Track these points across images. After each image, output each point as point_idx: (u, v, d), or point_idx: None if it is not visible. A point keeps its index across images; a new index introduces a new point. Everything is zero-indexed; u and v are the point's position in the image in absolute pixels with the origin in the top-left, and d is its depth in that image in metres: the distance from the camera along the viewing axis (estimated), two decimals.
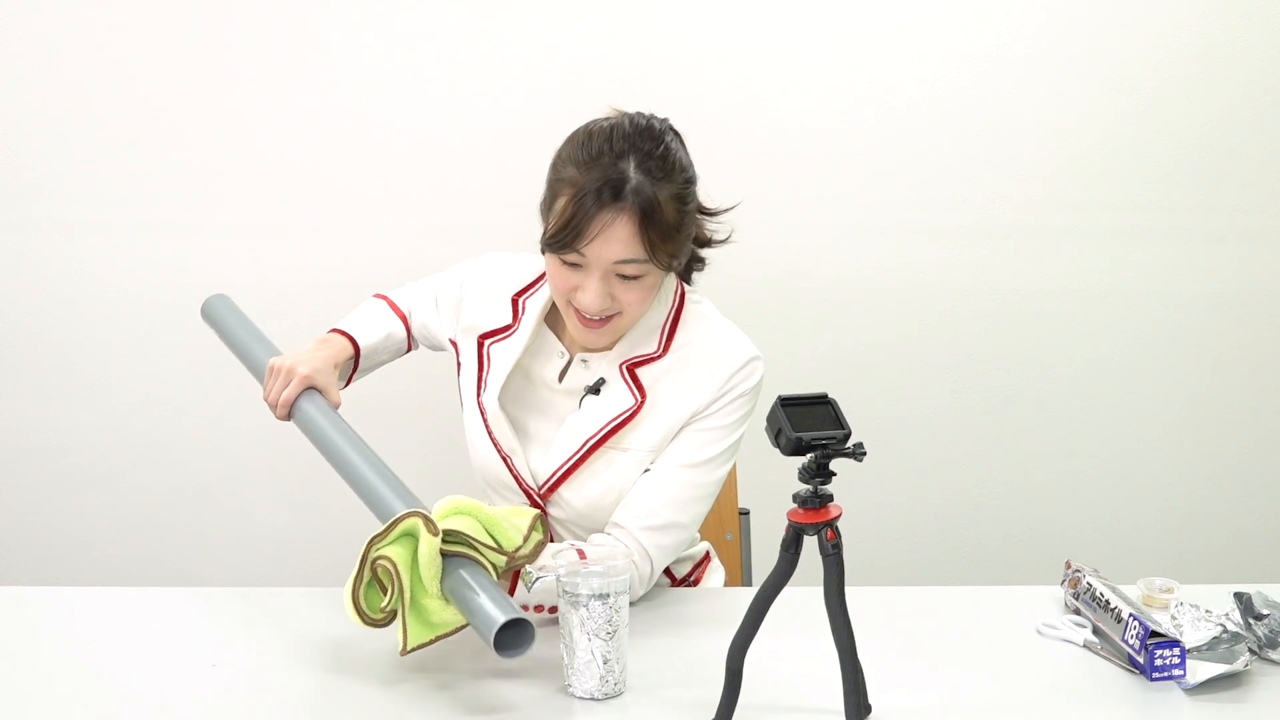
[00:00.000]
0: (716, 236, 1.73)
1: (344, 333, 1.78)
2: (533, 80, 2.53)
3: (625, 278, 1.56)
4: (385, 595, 1.39)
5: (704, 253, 1.76)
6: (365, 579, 1.40)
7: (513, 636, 1.34)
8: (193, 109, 2.56)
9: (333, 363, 1.71)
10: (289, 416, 1.67)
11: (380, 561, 1.38)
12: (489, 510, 1.45)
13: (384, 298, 1.87)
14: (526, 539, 1.45)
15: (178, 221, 2.60)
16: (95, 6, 2.53)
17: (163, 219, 2.60)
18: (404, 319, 1.84)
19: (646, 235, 1.53)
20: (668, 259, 1.58)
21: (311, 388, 1.66)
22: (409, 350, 1.88)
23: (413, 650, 1.39)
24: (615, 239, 1.52)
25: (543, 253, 1.60)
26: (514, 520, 1.47)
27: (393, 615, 1.40)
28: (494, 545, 1.42)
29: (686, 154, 1.62)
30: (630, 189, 1.52)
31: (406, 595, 1.38)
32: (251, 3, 2.53)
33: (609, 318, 1.59)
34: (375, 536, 1.40)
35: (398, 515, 1.42)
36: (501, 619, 1.31)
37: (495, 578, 1.42)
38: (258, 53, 2.54)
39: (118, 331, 2.63)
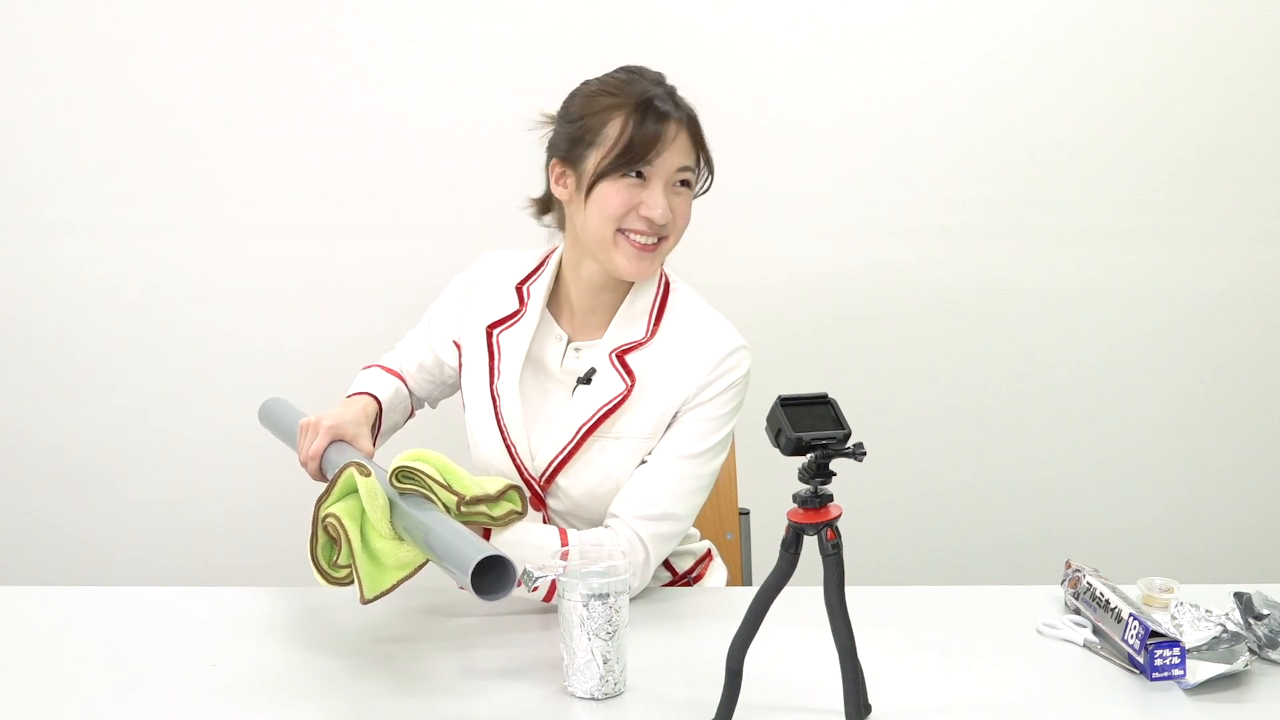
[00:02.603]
0: None
1: (362, 393, 1.78)
2: (533, 79, 2.53)
3: (682, 185, 1.67)
4: (339, 553, 1.44)
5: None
6: (321, 540, 1.44)
7: (492, 581, 1.32)
8: (193, 109, 2.56)
9: (362, 415, 1.71)
10: (320, 471, 1.64)
11: (328, 520, 1.43)
12: (448, 460, 1.49)
13: (374, 365, 1.87)
14: (495, 503, 1.48)
15: (178, 221, 2.60)
16: (95, 6, 2.53)
17: (163, 219, 2.60)
18: (400, 377, 1.85)
19: (698, 144, 1.67)
20: (707, 173, 1.71)
21: (340, 440, 1.64)
22: (413, 413, 1.88)
23: (374, 599, 1.42)
24: (679, 147, 1.65)
25: (591, 187, 1.63)
26: (481, 481, 1.51)
27: (351, 572, 1.44)
28: (445, 485, 1.46)
29: None
30: (674, 102, 1.66)
31: (356, 545, 1.42)
32: (251, 3, 2.52)
33: (659, 242, 1.66)
34: (320, 497, 1.45)
35: (336, 472, 1.46)
36: (476, 558, 1.30)
37: (448, 515, 1.45)
38: (257, 53, 2.54)
39: (117, 331, 2.63)
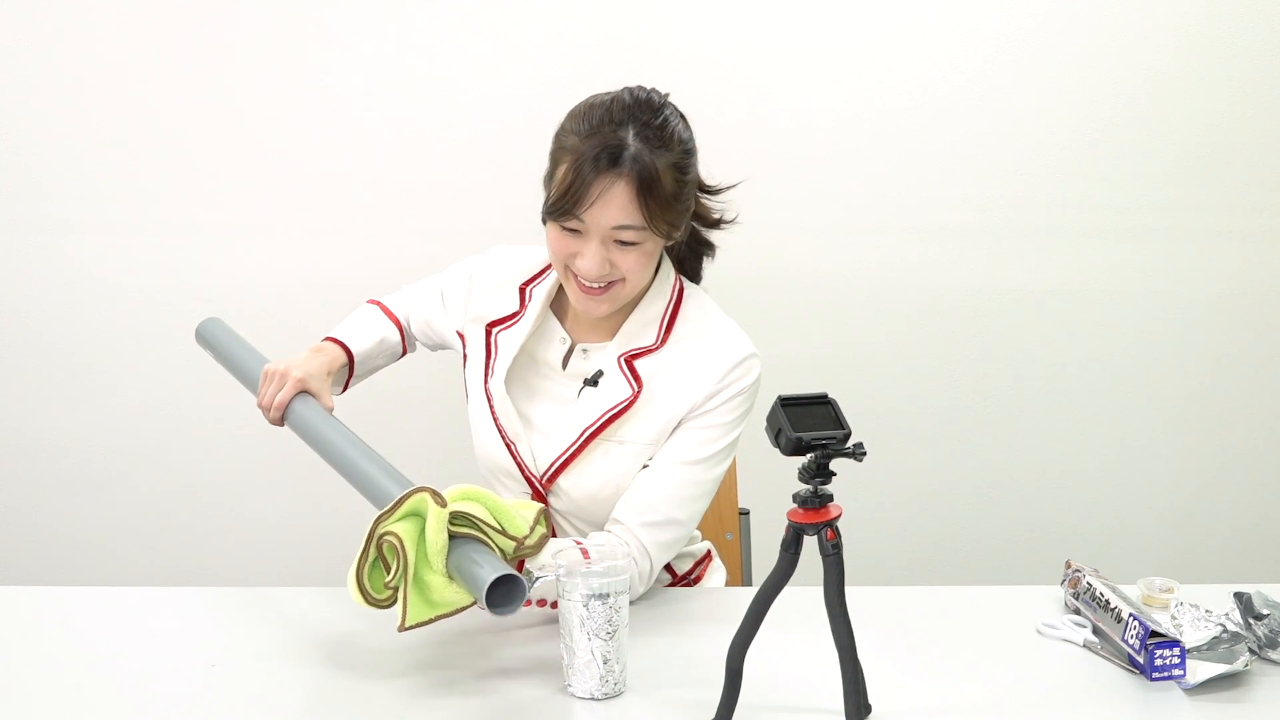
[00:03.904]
0: (726, 216, 1.75)
1: (337, 340, 1.81)
2: (533, 79, 2.53)
3: (623, 244, 1.58)
4: (389, 573, 1.39)
5: (713, 236, 1.77)
6: (370, 558, 1.40)
7: (504, 594, 1.35)
8: (193, 109, 2.56)
9: (326, 369, 1.74)
10: (282, 420, 1.69)
11: (387, 537, 1.39)
12: (494, 497, 1.46)
13: (377, 303, 1.89)
14: (532, 530, 1.46)
15: (178, 221, 2.60)
16: (95, 6, 2.53)
17: (163, 219, 2.60)
18: (398, 324, 1.87)
19: (644, 202, 1.55)
20: (665, 227, 1.60)
21: (305, 392, 1.68)
22: (404, 354, 1.90)
23: (411, 628, 1.39)
24: (613, 204, 1.55)
25: (544, 222, 1.62)
26: (521, 512, 1.48)
27: (395, 595, 1.40)
28: (500, 530, 1.43)
29: (687, 128, 1.65)
30: (629, 155, 1.54)
31: (410, 571, 1.38)
32: (252, 3, 2.53)
33: (609, 285, 1.61)
34: (382, 514, 1.41)
35: (405, 492, 1.42)
36: (491, 577, 1.33)
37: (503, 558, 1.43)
38: (258, 53, 2.54)
39: (118, 331, 2.63)
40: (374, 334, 1.83)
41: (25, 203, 2.60)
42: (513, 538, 1.43)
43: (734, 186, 1.74)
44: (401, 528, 1.39)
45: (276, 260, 2.60)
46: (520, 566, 1.51)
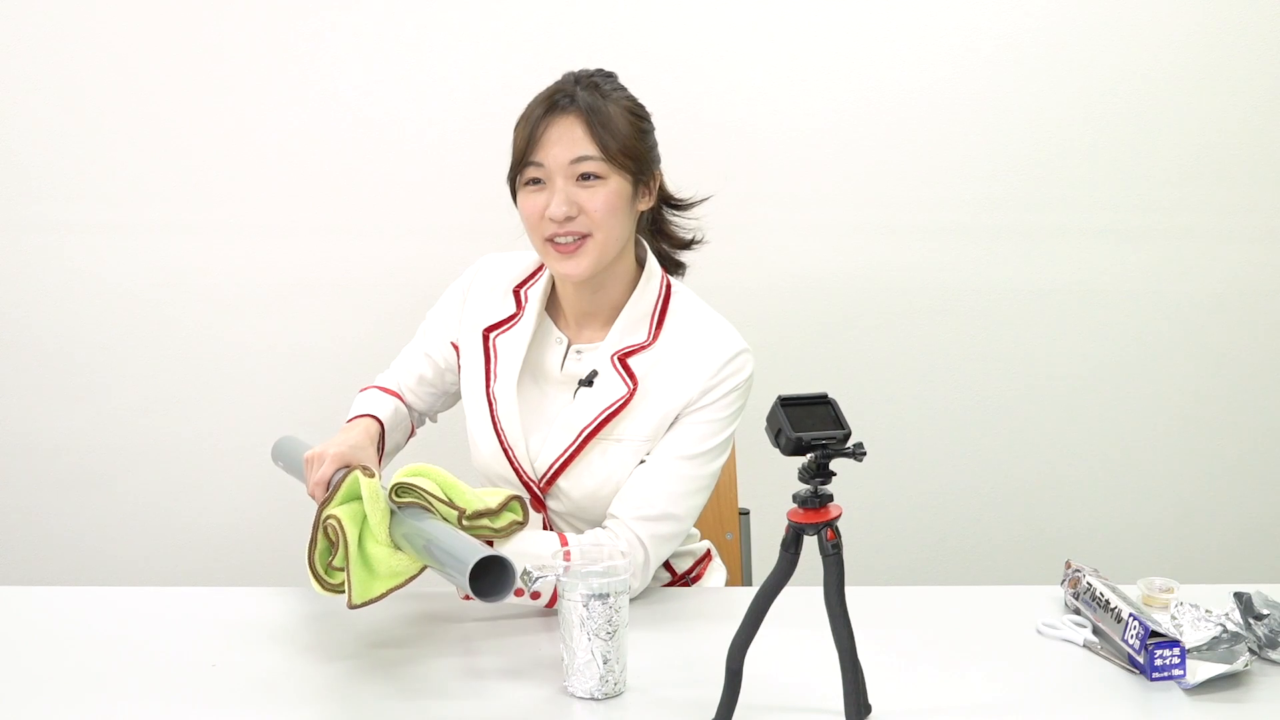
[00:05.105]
0: (695, 236, 1.77)
1: (361, 415, 1.76)
2: (534, 80, 2.53)
3: (585, 178, 1.62)
4: (335, 555, 1.44)
5: (683, 256, 1.81)
6: (320, 545, 1.45)
7: (491, 582, 1.35)
8: (192, 108, 2.56)
9: (366, 437, 1.69)
10: None
11: (329, 521, 1.44)
12: (448, 475, 1.50)
13: (370, 387, 1.84)
14: (497, 515, 1.48)
15: (178, 221, 2.60)
16: (95, 6, 2.53)
17: (163, 219, 2.60)
18: (399, 396, 1.82)
19: (596, 132, 1.62)
20: (626, 162, 1.64)
21: (346, 466, 1.61)
22: (413, 431, 1.86)
23: (361, 605, 1.43)
24: (565, 138, 1.62)
25: (514, 201, 1.68)
26: (482, 496, 1.52)
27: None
28: (446, 500, 1.46)
29: (640, 105, 1.71)
30: (576, 98, 1.64)
31: (352, 548, 1.42)
32: (251, 3, 2.52)
33: (582, 240, 1.63)
34: (323, 502, 1.46)
35: (339, 478, 1.48)
36: (472, 560, 1.33)
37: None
38: (257, 53, 2.54)
39: (118, 331, 2.63)
40: (387, 405, 1.79)
41: (25, 203, 2.60)
42: (458, 509, 1.47)
43: (704, 200, 1.76)
44: (342, 510, 1.44)
45: (276, 260, 2.60)
46: (490, 545, 1.53)
